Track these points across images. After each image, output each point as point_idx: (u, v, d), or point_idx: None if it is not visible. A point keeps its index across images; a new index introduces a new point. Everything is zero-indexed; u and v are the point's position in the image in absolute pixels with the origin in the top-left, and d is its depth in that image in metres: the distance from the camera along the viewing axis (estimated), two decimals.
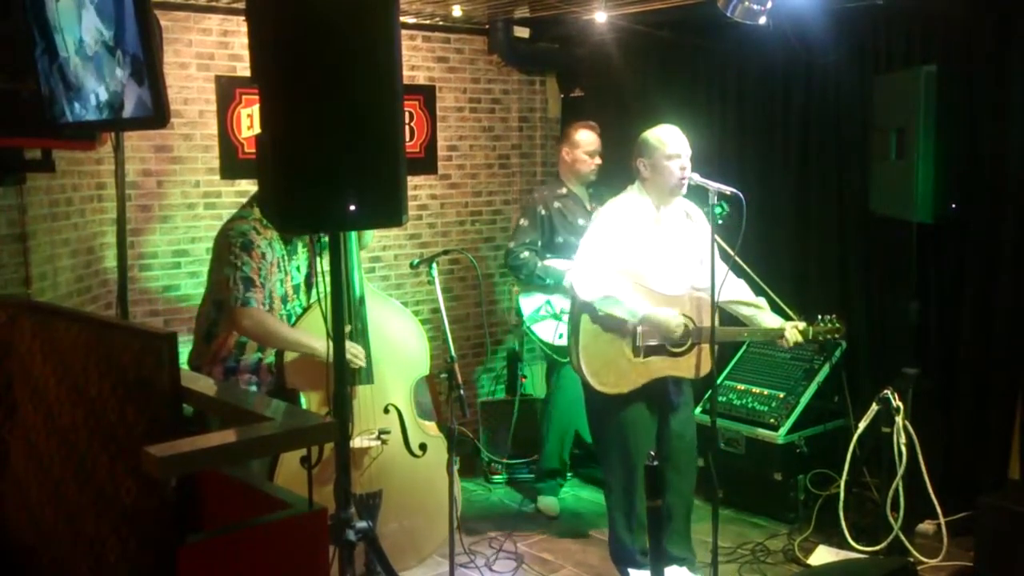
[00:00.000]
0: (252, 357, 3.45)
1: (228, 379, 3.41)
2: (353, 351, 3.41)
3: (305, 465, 3.19)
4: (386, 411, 3.58)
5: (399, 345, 3.63)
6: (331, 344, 2.54)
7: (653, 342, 3.59)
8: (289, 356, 3.45)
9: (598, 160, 4.71)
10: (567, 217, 4.67)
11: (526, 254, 4.59)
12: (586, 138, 4.70)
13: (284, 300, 3.47)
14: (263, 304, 3.34)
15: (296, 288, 3.54)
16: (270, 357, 3.49)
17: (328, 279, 2.48)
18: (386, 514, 3.56)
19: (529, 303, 4.65)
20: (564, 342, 4.57)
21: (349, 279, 3.49)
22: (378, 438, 3.52)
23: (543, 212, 4.65)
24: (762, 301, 3.74)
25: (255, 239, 3.34)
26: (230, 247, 3.34)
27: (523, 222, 4.68)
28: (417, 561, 3.72)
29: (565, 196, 4.71)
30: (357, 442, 3.50)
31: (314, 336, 3.28)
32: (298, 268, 3.55)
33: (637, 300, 3.53)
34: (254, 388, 3.45)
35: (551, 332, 4.61)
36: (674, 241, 3.69)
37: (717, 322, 3.58)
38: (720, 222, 3.42)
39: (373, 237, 3.80)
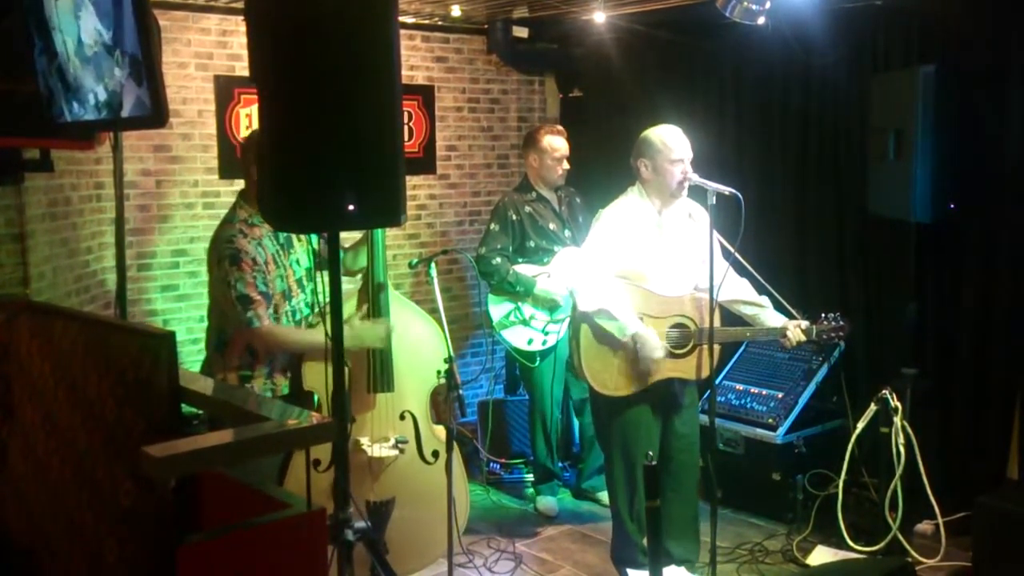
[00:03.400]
0: (264, 362, 3.38)
1: (243, 386, 3.32)
2: (378, 331, 3.40)
3: (316, 468, 3.20)
4: (402, 417, 3.57)
5: (419, 351, 3.61)
6: (330, 344, 2.54)
7: None
8: (307, 358, 3.41)
9: (566, 165, 4.69)
10: (538, 221, 4.66)
11: (498, 260, 4.59)
12: (554, 143, 4.65)
13: (288, 296, 3.40)
14: (268, 316, 3.27)
15: (299, 282, 3.48)
16: (283, 359, 3.44)
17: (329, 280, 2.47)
18: (398, 519, 3.56)
19: (498, 309, 4.65)
20: (534, 348, 4.60)
21: (374, 271, 3.47)
22: (395, 447, 3.51)
23: (514, 217, 4.64)
24: (765, 300, 3.74)
25: (242, 246, 3.22)
26: (220, 262, 3.25)
27: (494, 227, 4.67)
28: (423, 564, 3.72)
29: (535, 200, 4.70)
30: (375, 451, 3.49)
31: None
32: (297, 261, 3.48)
33: (630, 317, 3.52)
34: (268, 394, 3.38)
35: (521, 338, 4.61)
36: (676, 242, 3.68)
37: (720, 322, 3.58)
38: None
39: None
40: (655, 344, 3.50)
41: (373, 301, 3.48)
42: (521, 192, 4.76)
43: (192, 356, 4.84)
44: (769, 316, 3.70)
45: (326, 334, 2.51)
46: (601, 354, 3.59)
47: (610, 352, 3.58)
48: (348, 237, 3.80)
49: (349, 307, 3.39)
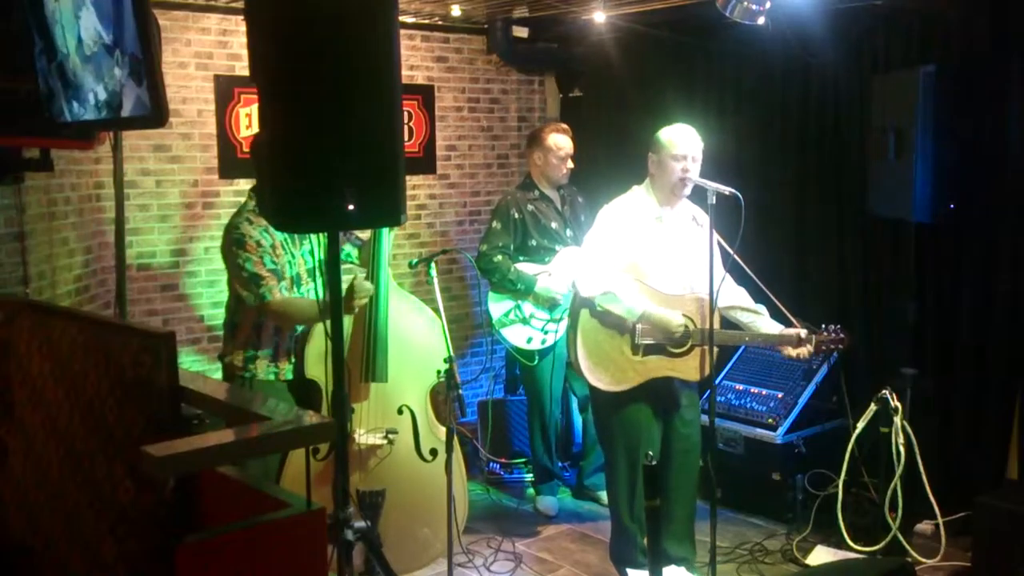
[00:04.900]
0: (268, 344, 3.50)
1: (247, 367, 3.48)
2: (362, 289, 3.44)
3: (314, 456, 3.23)
4: (399, 412, 3.57)
5: (419, 347, 3.61)
6: (330, 343, 2.54)
7: (652, 341, 3.59)
8: (309, 346, 3.49)
9: (570, 164, 4.69)
10: (540, 220, 4.66)
11: (499, 258, 4.59)
12: (559, 142, 4.65)
13: (296, 282, 3.50)
14: (280, 289, 3.40)
15: (310, 272, 3.56)
16: (287, 343, 3.53)
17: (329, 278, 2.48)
18: (393, 516, 3.56)
19: (498, 307, 4.65)
20: (533, 346, 4.60)
21: (376, 269, 3.52)
22: (385, 437, 3.52)
23: (516, 215, 4.64)
24: (761, 308, 3.74)
25: (247, 230, 3.39)
26: (230, 247, 3.42)
27: (496, 225, 4.67)
28: (423, 564, 3.72)
29: (538, 199, 4.70)
30: (364, 439, 3.51)
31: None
32: (311, 252, 3.57)
33: (637, 298, 3.53)
34: (272, 377, 3.50)
35: (521, 336, 4.62)
36: (677, 241, 3.69)
37: (720, 326, 3.58)
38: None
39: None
40: (669, 315, 3.52)
41: (373, 273, 3.55)
42: (524, 190, 4.76)
43: (192, 356, 4.85)
44: (764, 323, 3.70)
45: (326, 334, 2.52)
46: (598, 346, 3.60)
47: (607, 345, 3.59)
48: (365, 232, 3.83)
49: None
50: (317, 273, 3.58)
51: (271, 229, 3.42)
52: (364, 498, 3.47)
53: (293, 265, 3.50)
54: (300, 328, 3.56)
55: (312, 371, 3.48)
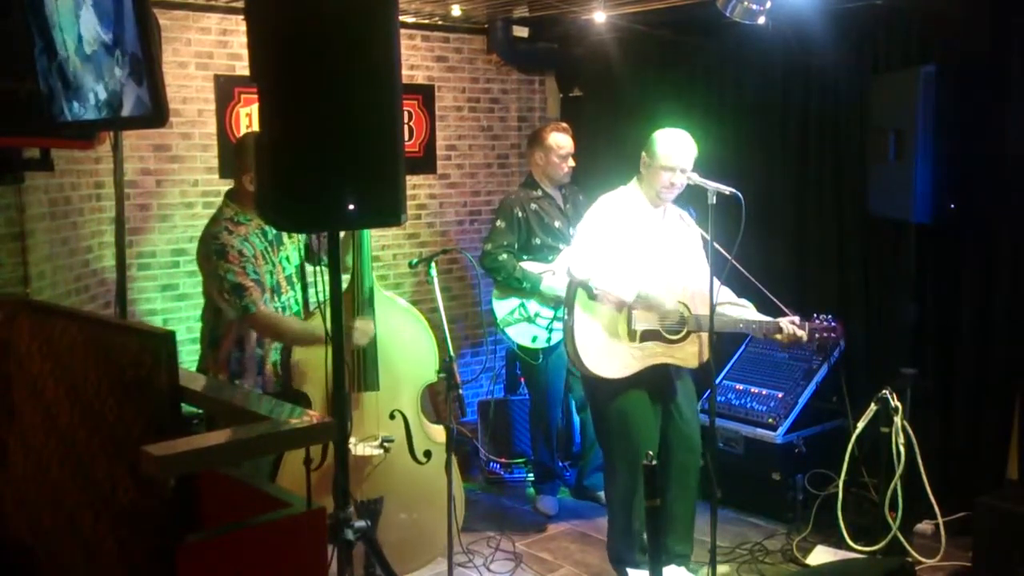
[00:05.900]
0: (254, 358, 3.42)
1: (232, 383, 3.36)
2: (361, 327, 3.40)
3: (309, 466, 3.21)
4: (392, 417, 3.56)
5: (408, 350, 3.60)
6: (330, 344, 2.53)
7: (648, 326, 3.59)
8: (295, 357, 3.43)
9: (571, 163, 4.70)
10: (543, 219, 4.67)
11: (504, 256, 4.59)
12: (559, 141, 4.65)
13: (276, 292, 3.42)
14: (264, 301, 3.31)
15: (288, 279, 3.50)
16: (274, 356, 3.47)
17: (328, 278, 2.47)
18: (390, 520, 3.55)
19: (503, 306, 4.66)
20: (538, 345, 4.60)
21: (361, 271, 3.48)
22: (381, 446, 3.50)
23: (520, 214, 4.65)
24: (746, 302, 3.75)
25: (228, 240, 3.29)
26: (208, 257, 3.32)
27: (500, 224, 4.67)
28: (421, 564, 3.72)
29: (541, 198, 4.71)
30: (360, 449, 3.48)
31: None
32: (287, 259, 3.50)
33: (631, 279, 3.53)
34: (259, 391, 3.40)
35: (526, 335, 4.62)
36: (668, 235, 3.72)
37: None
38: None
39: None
40: (663, 296, 3.55)
41: (358, 300, 3.49)
42: (527, 189, 4.77)
43: (192, 356, 4.84)
44: (751, 315, 3.71)
45: (326, 332, 2.51)
46: (594, 332, 3.60)
47: (604, 331, 3.60)
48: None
49: None
50: (295, 279, 3.55)
51: (250, 238, 3.34)
52: (362, 507, 3.45)
53: (273, 274, 3.41)
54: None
55: (299, 382, 3.43)
